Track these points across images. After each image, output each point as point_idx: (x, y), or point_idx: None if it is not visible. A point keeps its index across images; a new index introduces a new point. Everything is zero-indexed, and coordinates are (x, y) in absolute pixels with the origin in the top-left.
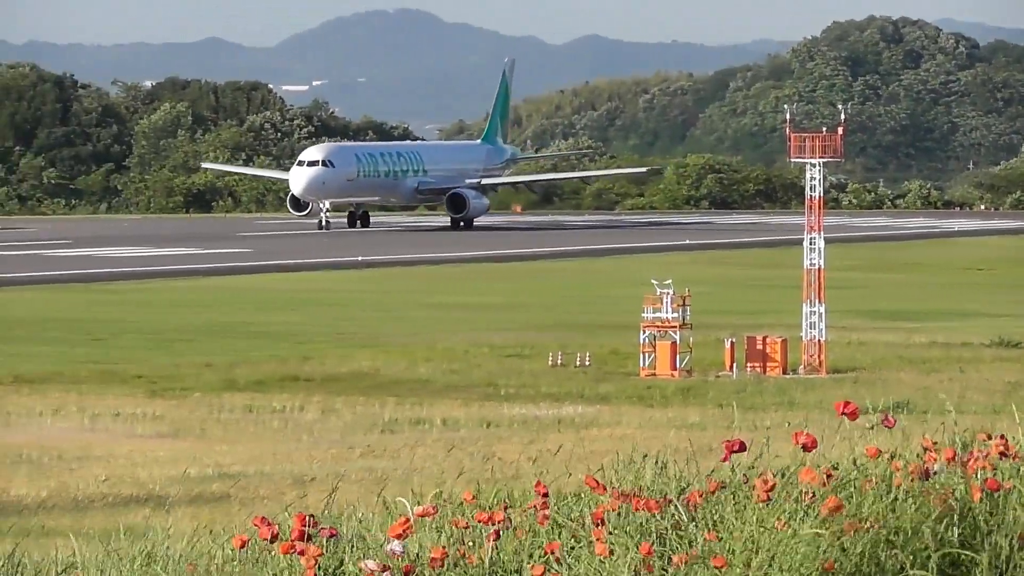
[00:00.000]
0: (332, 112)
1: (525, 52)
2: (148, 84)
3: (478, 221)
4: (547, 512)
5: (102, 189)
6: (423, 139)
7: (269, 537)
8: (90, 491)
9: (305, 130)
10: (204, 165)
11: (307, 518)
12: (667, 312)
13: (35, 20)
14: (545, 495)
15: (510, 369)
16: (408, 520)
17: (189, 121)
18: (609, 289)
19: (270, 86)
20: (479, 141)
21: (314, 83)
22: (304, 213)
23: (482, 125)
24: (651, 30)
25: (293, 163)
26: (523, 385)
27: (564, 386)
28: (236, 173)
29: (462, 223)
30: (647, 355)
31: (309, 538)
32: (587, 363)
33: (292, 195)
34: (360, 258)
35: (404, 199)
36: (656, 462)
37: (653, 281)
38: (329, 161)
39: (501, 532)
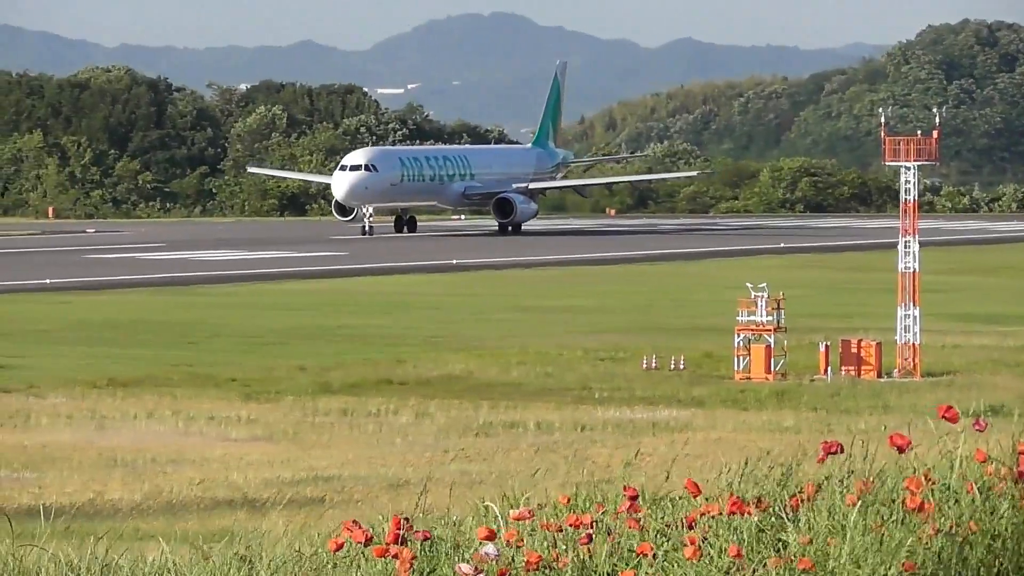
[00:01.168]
0: (427, 115)
1: (619, 55)
2: (243, 87)
3: (527, 226)
4: (639, 515)
5: (196, 192)
6: (518, 142)
7: (364, 540)
8: (184, 494)
9: (400, 133)
10: (251, 170)
11: (401, 521)
12: (762, 315)
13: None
14: (636, 498)
15: (604, 372)
16: (499, 524)
17: (284, 124)
18: (703, 292)
19: (365, 89)
20: (530, 145)
21: (409, 86)
22: (349, 218)
23: (576, 129)
24: (745, 33)
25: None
26: (617, 388)
27: (658, 389)
28: (282, 177)
29: (510, 228)
30: (741, 358)
31: (404, 541)
32: (681, 366)
33: (336, 200)
34: (455, 261)
35: (450, 203)
36: (750, 465)
37: (748, 284)
38: (372, 165)
39: (593, 535)
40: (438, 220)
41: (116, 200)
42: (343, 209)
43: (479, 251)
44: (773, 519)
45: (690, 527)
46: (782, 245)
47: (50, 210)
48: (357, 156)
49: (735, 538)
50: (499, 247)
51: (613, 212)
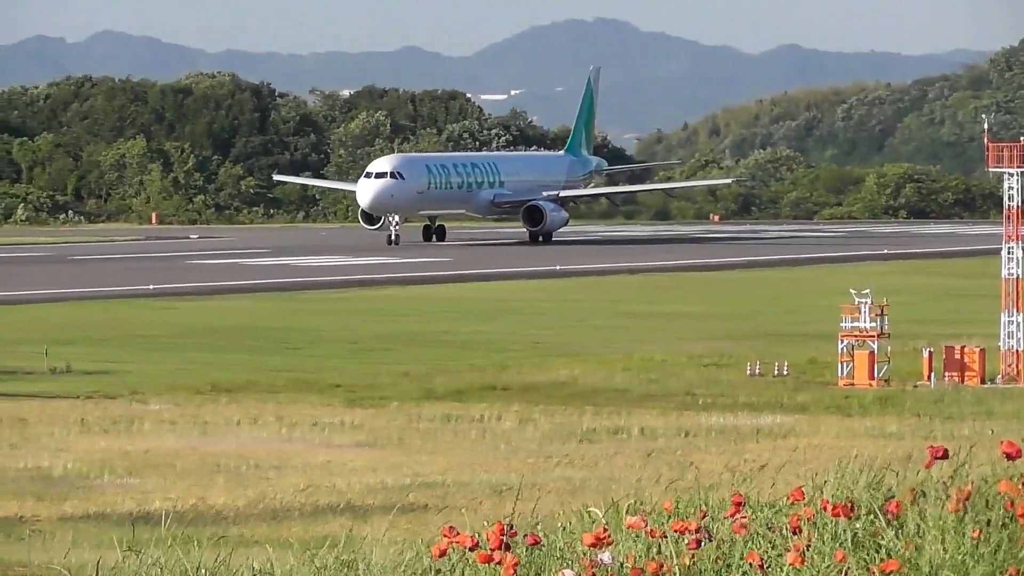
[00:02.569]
0: (530, 121)
1: (722, 61)
2: (346, 93)
3: (557, 235)
4: (744, 521)
5: (300, 198)
6: (623, 149)
7: (468, 546)
8: (288, 500)
9: (503, 139)
10: (276, 177)
11: (505, 527)
12: (865, 321)
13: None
14: (742, 504)
15: (708, 378)
16: (606, 530)
17: (388, 130)
18: (807, 298)
19: (468, 95)
20: (562, 152)
21: (512, 92)
22: (377, 227)
23: (680, 135)
24: (848, 39)
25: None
26: (721, 394)
27: (762, 395)
28: (308, 185)
29: (540, 237)
30: (845, 364)
31: (508, 547)
32: (785, 372)
33: (362, 209)
34: (558, 267)
35: (479, 212)
36: (854, 470)
37: (851, 291)
38: (398, 173)
39: (700, 541)
40: (469, 228)
41: (219, 206)
42: (369, 218)
43: (581, 257)
44: (875, 524)
45: (794, 532)
46: (885, 251)
47: (153, 216)
48: (382, 163)
49: (838, 543)
50: (602, 253)
51: (717, 218)
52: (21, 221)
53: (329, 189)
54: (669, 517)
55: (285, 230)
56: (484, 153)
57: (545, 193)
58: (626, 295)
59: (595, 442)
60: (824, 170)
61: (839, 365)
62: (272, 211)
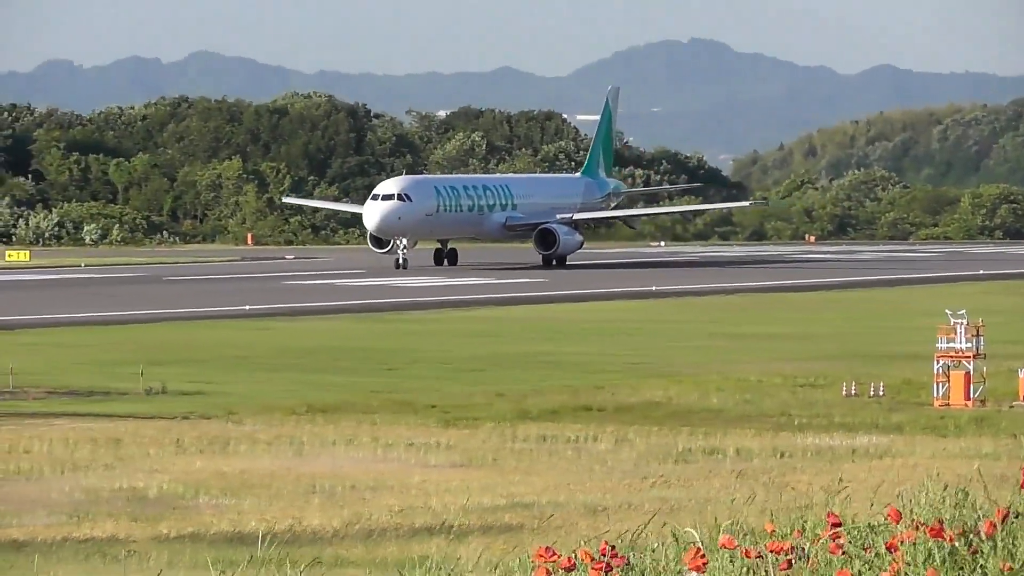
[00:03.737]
0: (626, 142)
1: (818, 82)
2: (442, 113)
3: (571, 259)
4: (840, 541)
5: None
6: (718, 169)
7: (565, 567)
8: (383, 521)
9: None
10: (285, 200)
11: (602, 548)
12: (961, 342)
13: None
14: (838, 525)
15: (803, 399)
16: (701, 550)
17: (484, 150)
18: (902, 319)
19: (564, 115)
20: (578, 174)
21: None
22: (386, 250)
23: (776, 156)
24: (943, 60)
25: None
26: (816, 415)
27: (857, 416)
28: (317, 207)
29: (554, 261)
30: (940, 385)
31: (609, 568)
32: (881, 393)
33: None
34: (654, 288)
35: (491, 235)
36: (949, 490)
37: (947, 311)
38: (406, 195)
39: (793, 561)
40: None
41: (315, 227)
42: (379, 241)
43: (679, 278)
44: (972, 544)
45: (890, 552)
46: (981, 272)
47: (249, 236)
48: (389, 185)
49: (933, 563)
50: (697, 274)
51: (813, 239)
52: (117, 241)
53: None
54: (766, 537)
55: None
56: (496, 175)
57: (559, 216)
58: (722, 315)
59: (690, 462)
60: (920, 191)
61: (935, 385)
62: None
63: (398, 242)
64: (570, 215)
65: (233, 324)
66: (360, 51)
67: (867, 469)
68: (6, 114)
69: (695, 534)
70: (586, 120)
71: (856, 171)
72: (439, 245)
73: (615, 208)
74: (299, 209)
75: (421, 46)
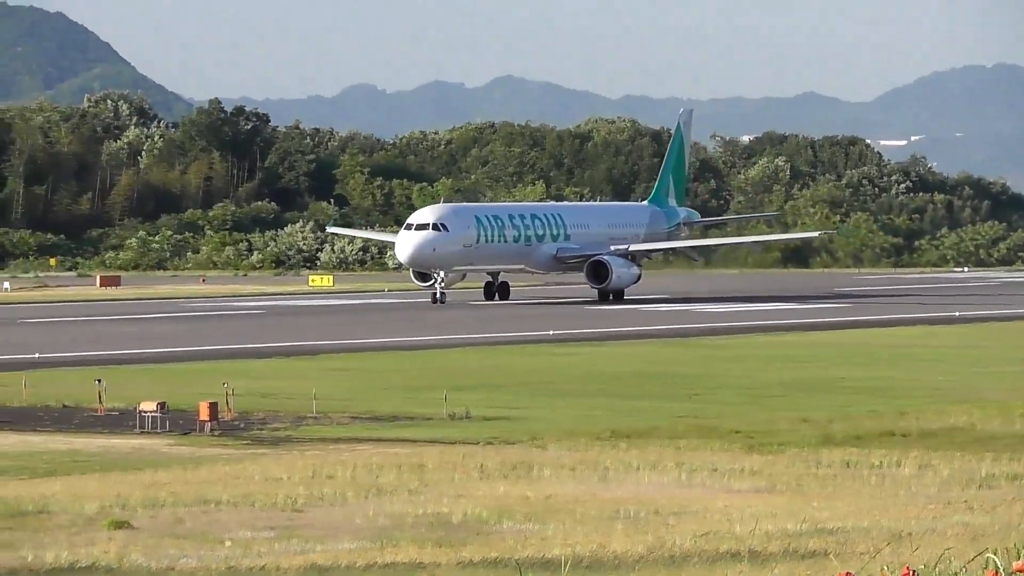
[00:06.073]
0: (930, 167)
1: None
2: (745, 139)
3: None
4: None
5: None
6: (1021, 195)
7: None
8: (686, 546)
9: (903, 185)
10: (330, 229)
11: (904, 573)
12: None
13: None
14: None
15: None
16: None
17: (787, 176)
18: None
19: (868, 141)
20: (645, 202)
21: (912, 138)
22: (430, 283)
23: None
24: None
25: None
26: None
27: None
28: (357, 236)
29: (611, 295)
30: None
31: None
32: None
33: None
34: (957, 313)
35: (541, 267)
36: None
37: None
38: (442, 224)
39: None
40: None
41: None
42: (423, 275)
43: (981, 303)
44: None
45: None
46: None
47: None
48: (425, 214)
49: None
50: (1000, 300)
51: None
52: None
53: (727, 234)
54: None
55: (680, 275)
56: (549, 203)
57: (613, 247)
58: None
59: (994, 488)
60: None
61: None
62: (670, 257)
63: (435, 275)
64: (626, 246)
65: (536, 349)
66: (663, 76)
67: None
68: (309, 139)
69: (997, 560)
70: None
71: None
72: (489, 278)
73: (687, 238)
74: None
75: (725, 71)
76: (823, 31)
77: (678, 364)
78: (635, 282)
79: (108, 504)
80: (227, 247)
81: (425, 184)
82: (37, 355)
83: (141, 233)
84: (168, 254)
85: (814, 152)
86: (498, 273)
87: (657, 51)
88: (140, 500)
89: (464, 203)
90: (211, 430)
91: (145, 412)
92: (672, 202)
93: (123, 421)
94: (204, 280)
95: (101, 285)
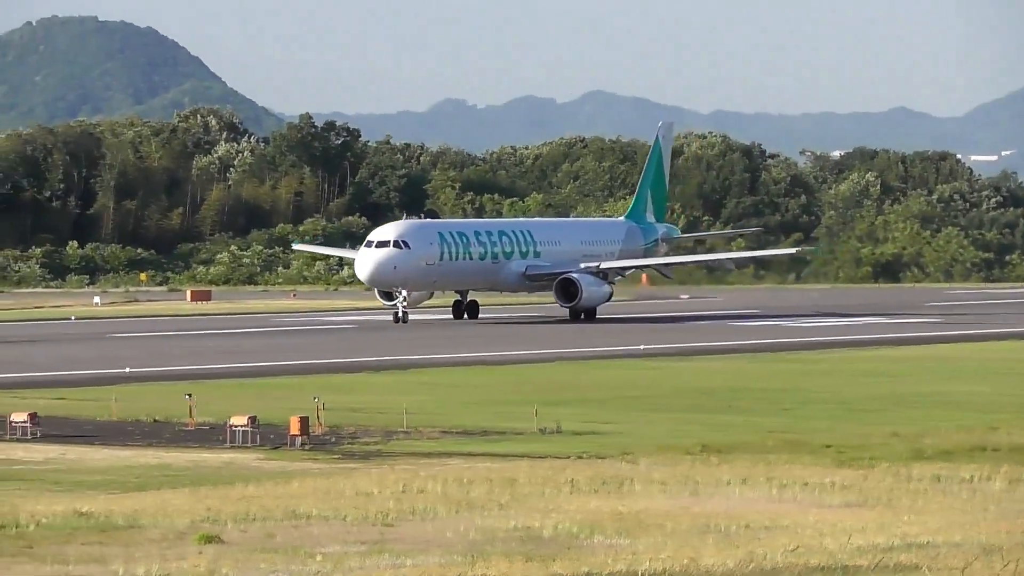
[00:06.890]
0: (1020, 183)
1: None
2: (836, 154)
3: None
4: None
5: (790, 259)
6: None
7: None
8: (777, 561)
9: (993, 200)
10: (296, 247)
11: None
12: None
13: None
14: None
15: None
16: None
17: (878, 191)
18: None
19: (958, 156)
20: (622, 218)
21: (1003, 153)
22: (395, 302)
23: None
24: None
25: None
26: None
27: None
28: (324, 254)
29: (582, 315)
30: None
31: None
32: None
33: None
34: None
35: (508, 286)
36: None
37: None
38: (403, 242)
39: None
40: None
41: (709, 268)
42: (387, 293)
43: None
44: None
45: None
46: None
47: (643, 277)
48: (386, 231)
49: None
50: None
51: None
52: None
53: (820, 250)
54: None
55: (774, 290)
56: (517, 219)
57: (583, 264)
58: None
59: None
60: None
61: None
62: (762, 272)
63: (396, 294)
64: (596, 264)
65: (627, 363)
66: (755, 90)
67: None
68: (400, 154)
69: None
70: (980, 161)
71: None
72: (457, 296)
73: (666, 255)
74: (692, 250)
75: (815, 86)
76: (914, 46)
77: (767, 378)
78: (606, 300)
79: (198, 518)
80: (317, 262)
81: (516, 199)
82: (127, 370)
83: (232, 248)
84: (259, 269)
85: (904, 167)
86: (467, 291)
87: (748, 66)
88: (230, 514)
89: (426, 220)
90: (302, 444)
91: (236, 426)
92: (651, 218)
93: (213, 435)
94: (295, 295)
95: (192, 300)
